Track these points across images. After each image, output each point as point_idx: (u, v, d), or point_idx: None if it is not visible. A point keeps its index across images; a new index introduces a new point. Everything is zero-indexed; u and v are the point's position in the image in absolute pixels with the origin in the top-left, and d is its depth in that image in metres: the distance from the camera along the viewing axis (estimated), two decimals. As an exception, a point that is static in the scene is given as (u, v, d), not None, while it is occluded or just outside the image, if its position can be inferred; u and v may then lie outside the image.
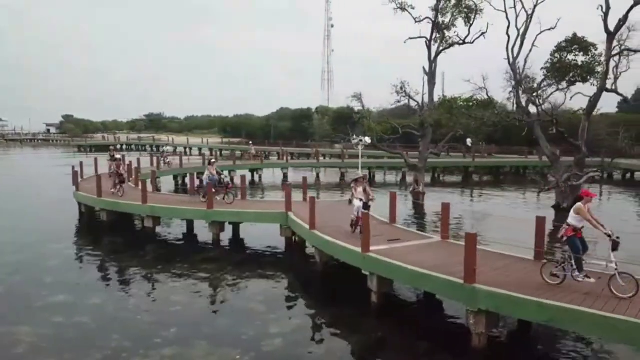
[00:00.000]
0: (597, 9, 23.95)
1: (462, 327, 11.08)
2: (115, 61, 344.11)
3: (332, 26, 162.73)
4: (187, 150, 76.42)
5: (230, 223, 19.44)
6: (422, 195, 31.29)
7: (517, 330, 11.07)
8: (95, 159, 31.96)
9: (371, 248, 12.41)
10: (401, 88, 34.16)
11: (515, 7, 29.18)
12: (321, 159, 51.14)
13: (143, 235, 20.93)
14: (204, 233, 19.98)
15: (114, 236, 21.10)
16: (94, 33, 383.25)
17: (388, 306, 12.64)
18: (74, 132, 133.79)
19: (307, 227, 15.44)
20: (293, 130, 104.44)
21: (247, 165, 43.20)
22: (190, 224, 21.09)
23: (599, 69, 27.25)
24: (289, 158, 48.20)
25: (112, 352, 10.44)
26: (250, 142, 60.12)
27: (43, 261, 17.14)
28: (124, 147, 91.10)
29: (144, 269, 16.35)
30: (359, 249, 12.59)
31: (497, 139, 58.33)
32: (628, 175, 42.90)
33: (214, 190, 19.29)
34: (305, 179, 21.58)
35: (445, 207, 13.99)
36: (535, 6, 27.44)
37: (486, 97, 29.18)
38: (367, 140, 22.75)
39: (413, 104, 33.60)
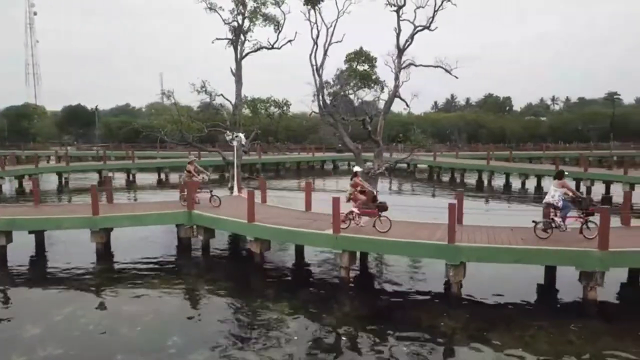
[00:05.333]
0: (393, 29, 29.83)
1: (435, 280, 13.87)
2: None
3: (35, 14, 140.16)
4: None
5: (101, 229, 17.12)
6: (241, 191, 32.56)
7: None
8: None
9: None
10: (202, 87, 34.63)
11: (309, 20, 33.25)
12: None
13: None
14: (63, 245, 17.68)
15: None
16: None
17: (358, 278, 14.49)
18: None
19: (244, 221, 15.64)
20: (9, 130, 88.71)
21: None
22: (39, 237, 17.75)
23: (380, 78, 33.74)
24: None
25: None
26: None
27: None
28: None
29: (47, 288, 13.76)
30: (329, 232, 13.96)
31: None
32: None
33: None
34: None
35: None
36: (335, 21, 31.92)
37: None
38: (242, 137, 23.01)
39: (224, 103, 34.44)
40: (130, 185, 38.83)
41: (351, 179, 15.49)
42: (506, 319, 11.78)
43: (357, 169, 16.32)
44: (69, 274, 15.21)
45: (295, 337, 10.74)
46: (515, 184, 37.82)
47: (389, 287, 14.20)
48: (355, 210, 14.82)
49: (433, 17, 28.21)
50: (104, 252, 16.85)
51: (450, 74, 30.84)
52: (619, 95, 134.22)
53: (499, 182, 39.59)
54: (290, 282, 14.81)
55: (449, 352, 10.34)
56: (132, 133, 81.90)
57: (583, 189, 32.63)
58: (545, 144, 67.53)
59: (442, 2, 27.69)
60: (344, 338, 10.88)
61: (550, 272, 14.10)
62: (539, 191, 35.62)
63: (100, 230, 16.53)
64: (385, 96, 32.46)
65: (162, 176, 42.82)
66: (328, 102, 33.25)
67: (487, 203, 30.99)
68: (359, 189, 15.06)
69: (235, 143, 22.68)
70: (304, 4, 30.79)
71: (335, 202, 14.03)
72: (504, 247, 12.53)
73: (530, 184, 37.44)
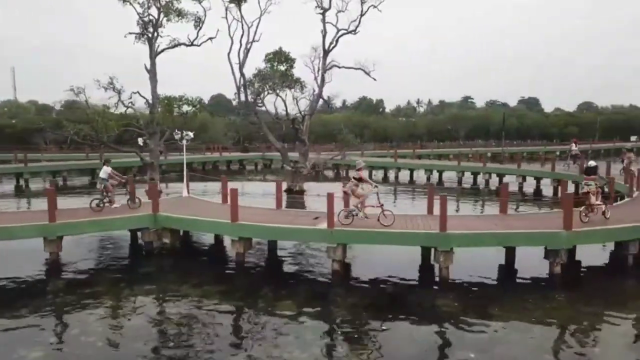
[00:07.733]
0: (320, 32, 30.73)
1: (422, 265, 14.94)
2: None
3: None
4: None
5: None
6: (160, 193, 30.99)
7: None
8: None
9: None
10: (109, 84, 32.33)
11: (226, 17, 32.93)
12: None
13: None
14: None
15: None
16: None
17: (348, 270, 15.01)
18: None
19: (226, 220, 15.26)
20: None
21: None
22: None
23: (299, 79, 34.43)
24: None
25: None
26: None
27: None
28: None
29: (18, 313, 12.21)
30: (323, 227, 14.34)
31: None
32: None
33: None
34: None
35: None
36: (258, 19, 31.97)
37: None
38: (191, 134, 21.75)
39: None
40: (23, 193, 34.44)
41: (589, 174, 15.61)
42: (495, 296, 13.29)
43: (592, 163, 16.04)
44: (32, 291, 13.55)
45: (311, 333, 10.90)
46: (420, 178, 41.00)
47: (381, 277, 14.85)
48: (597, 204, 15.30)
49: (359, 22, 29.75)
50: (60, 263, 15.27)
51: (370, 75, 32.73)
52: (473, 98, 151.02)
53: (402, 177, 42.59)
54: (285, 280, 14.78)
55: (460, 328, 11.15)
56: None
57: (482, 181, 36.63)
58: (422, 142, 74.04)
59: (368, 9, 29.35)
60: (355, 328, 11.24)
61: (511, 253, 15.92)
62: (441, 184, 39.12)
63: (56, 239, 14.93)
64: (308, 96, 33.43)
65: (60, 180, 38.64)
66: (250, 100, 33.23)
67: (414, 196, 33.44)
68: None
69: (184, 142, 21.68)
70: (229, 2, 30.40)
71: (330, 197, 14.42)
72: (489, 232, 14.03)
73: (433, 178, 40.95)
